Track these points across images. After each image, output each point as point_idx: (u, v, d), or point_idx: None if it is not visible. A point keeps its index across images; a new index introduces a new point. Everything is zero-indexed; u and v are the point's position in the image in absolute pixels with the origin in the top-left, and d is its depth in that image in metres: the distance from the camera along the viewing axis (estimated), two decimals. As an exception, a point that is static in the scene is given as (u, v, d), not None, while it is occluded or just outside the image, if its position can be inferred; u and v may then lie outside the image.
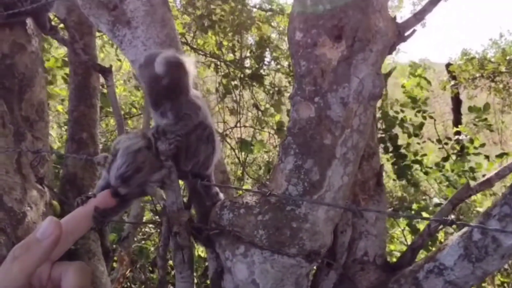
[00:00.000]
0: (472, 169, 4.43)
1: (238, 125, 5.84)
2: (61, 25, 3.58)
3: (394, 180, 5.01)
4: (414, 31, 1.58)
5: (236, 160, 6.01)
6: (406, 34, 1.57)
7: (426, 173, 4.56)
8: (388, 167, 4.59)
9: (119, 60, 6.54)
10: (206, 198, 1.70)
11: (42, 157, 2.32)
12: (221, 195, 1.73)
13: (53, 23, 2.76)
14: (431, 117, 4.74)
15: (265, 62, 5.76)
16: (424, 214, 4.66)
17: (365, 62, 1.45)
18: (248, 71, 5.46)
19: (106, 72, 2.65)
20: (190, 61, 1.46)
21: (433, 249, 3.88)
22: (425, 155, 4.55)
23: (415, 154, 4.48)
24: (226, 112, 6.06)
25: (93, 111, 3.34)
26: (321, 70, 1.46)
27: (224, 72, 5.64)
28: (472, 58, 10.29)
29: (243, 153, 5.67)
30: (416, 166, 4.56)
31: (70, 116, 3.34)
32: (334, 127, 1.46)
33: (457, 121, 9.63)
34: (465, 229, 1.47)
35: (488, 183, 1.74)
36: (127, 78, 7.84)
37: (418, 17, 1.58)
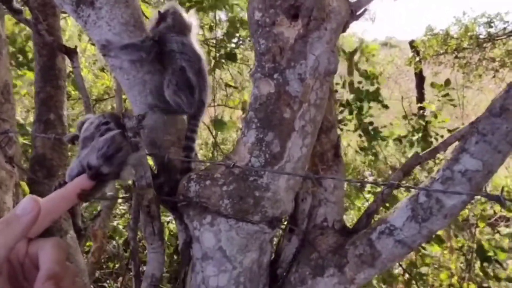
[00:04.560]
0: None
1: (212, 104, 5.87)
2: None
3: (357, 152, 5.20)
4: (365, 10, 1.68)
5: (207, 140, 6.05)
6: (358, 13, 1.67)
7: (382, 139, 4.76)
8: (353, 140, 4.77)
9: (79, 38, 6.43)
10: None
11: (9, 138, 2.34)
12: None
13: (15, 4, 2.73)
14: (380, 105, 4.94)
15: (239, 41, 5.77)
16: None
17: (320, 40, 1.55)
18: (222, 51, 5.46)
19: (72, 53, 2.66)
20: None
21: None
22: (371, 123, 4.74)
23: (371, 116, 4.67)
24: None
25: (60, 92, 3.33)
26: (279, 48, 1.55)
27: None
28: (436, 34, 10.56)
29: (214, 132, 5.73)
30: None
31: (37, 97, 3.32)
32: (293, 101, 1.55)
33: (420, 97, 9.92)
34: (413, 192, 1.60)
35: (435, 152, 1.88)
36: (92, 61, 7.70)
37: (370, -3, 1.68)
